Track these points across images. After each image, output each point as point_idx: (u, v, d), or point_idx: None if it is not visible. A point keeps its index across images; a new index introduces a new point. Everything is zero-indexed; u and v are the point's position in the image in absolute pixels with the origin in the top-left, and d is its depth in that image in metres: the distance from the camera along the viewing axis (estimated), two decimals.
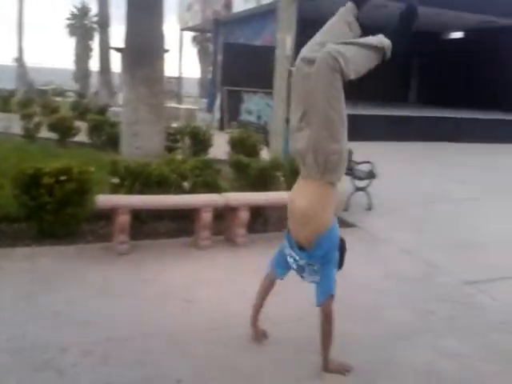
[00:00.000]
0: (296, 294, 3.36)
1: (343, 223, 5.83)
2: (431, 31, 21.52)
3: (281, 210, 5.59)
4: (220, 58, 16.06)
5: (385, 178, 7.36)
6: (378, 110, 15.24)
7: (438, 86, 20.96)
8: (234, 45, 16.90)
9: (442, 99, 19.81)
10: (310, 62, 2.54)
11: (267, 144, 8.76)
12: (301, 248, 2.74)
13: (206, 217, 4.56)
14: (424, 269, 4.54)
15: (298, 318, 3.40)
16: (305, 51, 2.63)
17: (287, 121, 7.97)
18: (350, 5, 2.76)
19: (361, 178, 6.46)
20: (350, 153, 6.46)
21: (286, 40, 9.24)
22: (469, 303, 3.85)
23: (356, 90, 17.65)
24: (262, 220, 5.33)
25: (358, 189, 6.44)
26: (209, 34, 25.50)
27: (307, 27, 15.31)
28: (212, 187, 5.14)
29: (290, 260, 2.83)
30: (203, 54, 36.02)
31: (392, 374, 2.87)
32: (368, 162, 6.56)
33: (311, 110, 2.57)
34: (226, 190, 5.18)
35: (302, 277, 2.84)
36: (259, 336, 3.08)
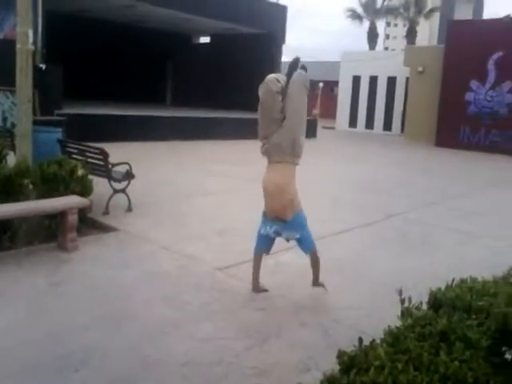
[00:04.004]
0: None
1: (103, 228, 5.72)
2: (183, 35, 22.63)
3: (31, 221, 5.17)
4: None
5: (144, 178, 7.47)
6: (134, 111, 15.30)
7: (189, 88, 22.16)
8: None
9: (194, 100, 21.04)
10: (278, 92, 3.83)
11: (14, 149, 7.92)
12: (280, 221, 3.89)
13: None
14: (181, 262, 4.78)
15: None
16: (274, 87, 3.83)
17: (34, 122, 7.35)
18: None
19: (118, 180, 6.40)
20: (106, 155, 6.35)
21: (27, 34, 8.48)
22: (221, 288, 4.22)
23: (116, 91, 17.22)
24: (9, 235, 4.81)
25: (117, 191, 6.37)
26: None
27: (56, 21, 14.46)
28: None
29: (270, 231, 3.97)
30: None
31: (151, 372, 2.94)
32: (125, 163, 6.54)
33: (290, 115, 3.82)
34: None
35: (280, 236, 4.01)
36: (259, 290, 4.13)
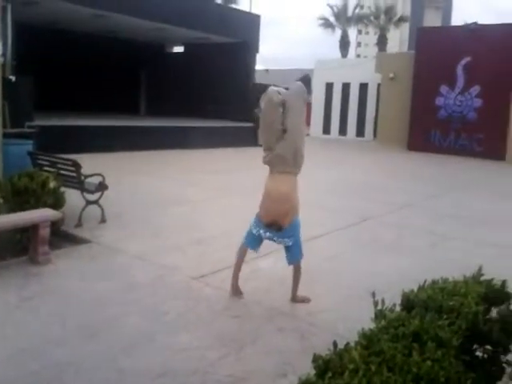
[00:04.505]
0: None
1: (76, 240, 5.62)
2: (156, 45, 22.55)
3: (2, 235, 5.05)
4: None
5: (118, 188, 7.39)
6: (108, 122, 15.14)
7: (163, 97, 22.04)
8: None
9: (168, 110, 20.91)
10: (279, 104, 3.94)
11: None
12: (276, 229, 3.98)
13: None
14: (157, 272, 4.73)
15: None
16: (275, 99, 3.94)
17: (4, 134, 7.22)
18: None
19: (91, 191, 6.32)
20: (78, 166, 6.26)
21: None
22: (198, 297, 4.18)
23: (89, 102, 16.89)
24: None
25: (90, 202, 6.28)
26: None
27: (26, 33, 14.23)
28: None
29: (265, 235, 4.06)
30: None
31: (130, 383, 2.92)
32: (98, 174, 6.45)
33: (292, 127, 3.94)
34: None
35: (273, 241, 4.10)
36: (237, 292, 4.20)
